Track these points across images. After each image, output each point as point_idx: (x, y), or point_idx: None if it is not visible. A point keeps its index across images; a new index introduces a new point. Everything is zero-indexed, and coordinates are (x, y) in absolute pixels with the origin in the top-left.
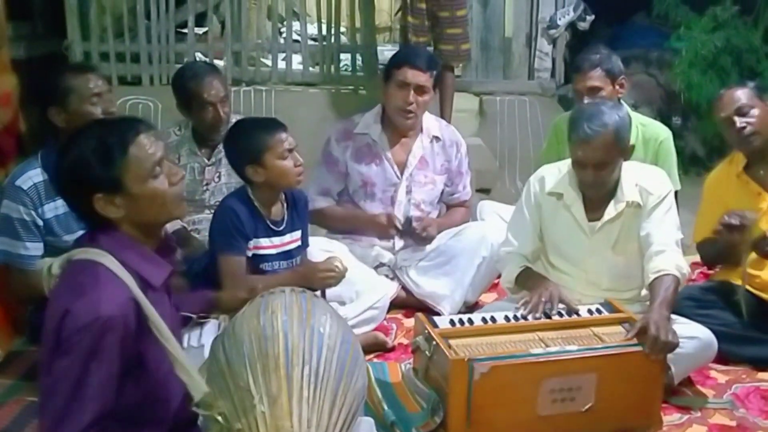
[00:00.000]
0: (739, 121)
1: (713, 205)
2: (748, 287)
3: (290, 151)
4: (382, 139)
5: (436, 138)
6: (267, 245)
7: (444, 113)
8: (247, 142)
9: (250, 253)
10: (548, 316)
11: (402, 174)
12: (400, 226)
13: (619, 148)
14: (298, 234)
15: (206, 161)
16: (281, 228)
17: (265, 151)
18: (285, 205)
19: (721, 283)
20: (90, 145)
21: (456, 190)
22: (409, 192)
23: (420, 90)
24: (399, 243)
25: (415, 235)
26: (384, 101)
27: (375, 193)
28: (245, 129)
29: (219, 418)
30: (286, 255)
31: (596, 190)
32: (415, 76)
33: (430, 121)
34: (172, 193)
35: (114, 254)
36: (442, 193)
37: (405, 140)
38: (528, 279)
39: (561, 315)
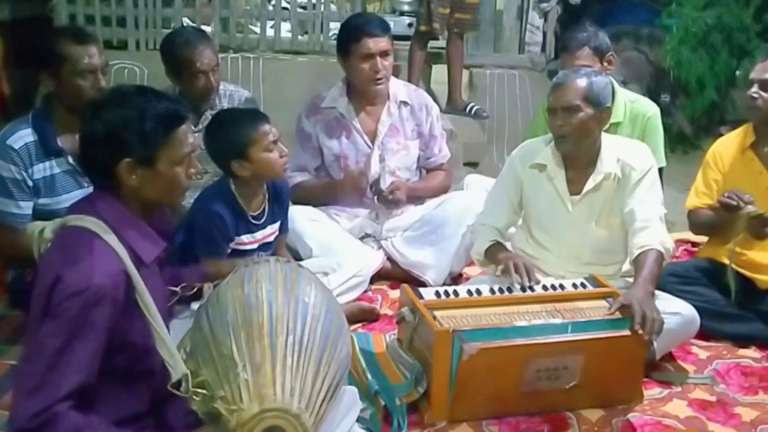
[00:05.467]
0: (753, 91)
1: (712, 173)
2: (733, 265)
3: (275, 142)
4: (349, 111)
5: (404, 103)
6: (248, 241)
7: (454, 83)
8: (231, 137)
9: (230, 250)
10: (532, 290)
11: (373, 143)
12: (368, 184)
13: (590, 99)
14: (277, 225)
15: (192, 128)
16: (262, 221)
17: (251, 146)
18: (267, 196)
19: (706, 261)
20: (143, 109)
21: (432, 153)
22: (382, 160)
23: (384, 55)
24: (383, 213)
25: (383, 197)
26: (349, 75)
27: (348, 165)
28: (227, 123)
29: (196, 398)
30: (265, 246)
31: (567, 144)
32: (376, 43)
33: (398, 87)
34: (185, 185)
35: (110, 224)
36: (418, 158)
37: (373, 109)
38: (496, 253)
39: (545, 289)
